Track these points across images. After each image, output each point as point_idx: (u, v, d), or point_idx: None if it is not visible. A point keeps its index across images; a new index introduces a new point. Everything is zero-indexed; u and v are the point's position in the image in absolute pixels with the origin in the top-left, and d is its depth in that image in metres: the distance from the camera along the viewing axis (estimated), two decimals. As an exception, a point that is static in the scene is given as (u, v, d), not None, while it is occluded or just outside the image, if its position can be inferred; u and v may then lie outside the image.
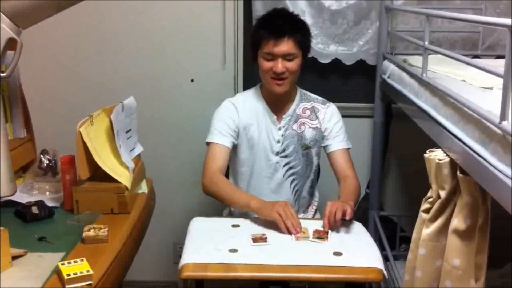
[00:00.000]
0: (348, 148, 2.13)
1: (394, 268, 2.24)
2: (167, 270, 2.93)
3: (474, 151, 1.25)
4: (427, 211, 1.50)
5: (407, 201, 2.74)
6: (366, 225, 2.00)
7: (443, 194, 1.43)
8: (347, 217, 1.73)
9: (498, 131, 1.15)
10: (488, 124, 1.20)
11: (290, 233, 1.70)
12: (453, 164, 1.40)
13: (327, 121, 2.12)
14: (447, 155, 1.44)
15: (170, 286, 2.91)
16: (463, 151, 1.32)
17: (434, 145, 1.56)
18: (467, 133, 1.33)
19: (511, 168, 1.07)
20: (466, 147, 1.31)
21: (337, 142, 2.11)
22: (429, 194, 1.50)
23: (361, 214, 2.68)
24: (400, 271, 2.23)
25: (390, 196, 2.77)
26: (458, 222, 1.36)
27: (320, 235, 1.69)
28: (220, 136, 2.07)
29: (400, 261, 2.47)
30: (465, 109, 1.36)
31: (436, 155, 1.46)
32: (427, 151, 1.50)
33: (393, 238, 2.57)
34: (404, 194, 2.77)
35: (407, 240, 2.60)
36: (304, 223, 1.75)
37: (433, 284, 1.46)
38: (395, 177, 2.78)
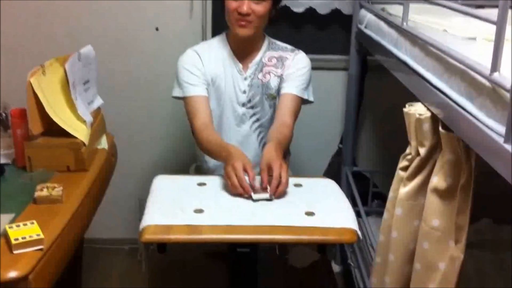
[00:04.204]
0: (302, 98, 1.99)
1: (366, 224, 2.18)
2: (132, 227, 2.79)
3: (459, 106, 1.16)
4: (405, 168, 1.41)
5: (381, 157, 2.67)
6: (338, 180, 1.93)
7: (422, 151, 1.34)
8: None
9: (488, 83, 1.05)
10: (477, 76, 1.10)
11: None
12: (434, 119, 1.31)
13: (292, 67, 2.00)
14: (428, 109, 1.34)
15: (135, 243, 2.82)
16: (447, 105, 1.22)
17: (412, 99, 1.45)
18: (452, 86, 1.23)
19: (502, 124, 0.97)
20: (450, 101, 1.21)
21: (290, 86, 1.98)
22: (407, 151, 1.41)
23: (335, 170, 2.62)
24: (372, 226, 2.18)
25: (363, 151, 2.70)
26: (438, 180, 1.28)
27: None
28: (192, 88, 1.96)
29: (372, 217, 2.42)
30: (450, 60, 1.25)
31: (416, 110, 1.36)
32: (406, 105, 1.40)
33: (366, 194, 2.51)
34: (378, 150, 2.70)
35: (379, 196, 2.57)
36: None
37: (410, 245, 1.39)
38: (369, 133, 2.70)
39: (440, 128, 1.26)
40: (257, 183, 1.59)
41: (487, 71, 1.03)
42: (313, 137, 2.62)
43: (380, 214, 2.40)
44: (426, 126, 1.32)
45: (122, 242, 2.84)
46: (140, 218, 2.72)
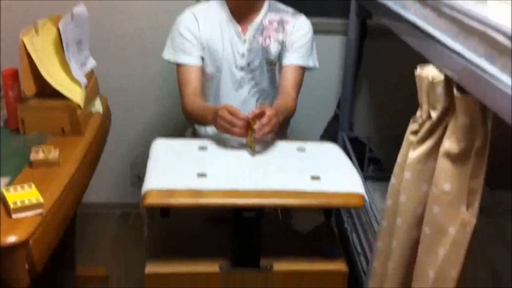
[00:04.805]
0: (305, 67, 1.96)
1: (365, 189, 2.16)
2: (124, 192, 2.79)
3: (478, 67, 1.11)
4: (415, 132, 1.37)
5: (378, 122, 2.65)
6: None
7: (434, 114, 1.30)
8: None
9: (511, 44, 1.01)
10: (498, 36, 1.05)
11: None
12: (448, 82, 1.26)
13: (294, 34, 1.94)
14: (441, 72, 1.29)
15: (126, 207, 2.78)
16: (464, 67, 1.17)
17: (415, 64, 1.40)
18: (469, 47, 1.18)
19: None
20: (467, 63, 1.16)
21: (294, 56, 1.94)
22: (418, 114, 1.37)
23: (331, 135, 2.59)
24: (369, 191, 2.15)
25: (360, 116, 2.67)
26: (450, 144, 1.24)
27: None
28: (186, 56, 1.91)
29: (368, 182, 2.40)
30: (466, 20, 1.20)
31: (428, 72, 1.31)
32: (418, 68, 1.35)
33: (362, 159, 2.48)
34: (375, 115, 2.67)
35: (375, 161, 2.55)
36: None
37: (418, 210, 1.37)
38: (366, 98, 2.66)
39: (454, 91, 1.22)
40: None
41: (509, 31, 0.99)
42: (309, 102, 2.56)
43: (376, 179, 2.43)
44: (439, 89, 1.27)
45: (113, 206, 2.80)
46: (132, 182, 2.72)
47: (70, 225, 1.96)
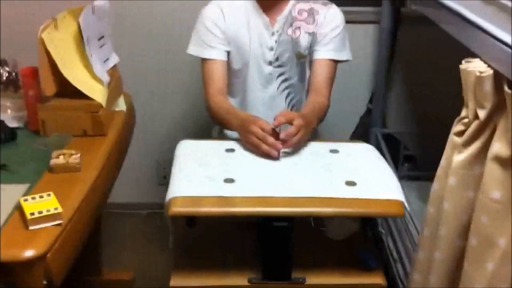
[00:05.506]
0: (337, 60, 1.86)
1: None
2: (150, 191, 2.73)
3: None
4: (460, 134, 1.26)
5: (413, 117, 2.52)
6: (367, 143, 1.79)
7: (482, 114, 1.19)
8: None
9: None
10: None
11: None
12: (497, 77, 1.15)
13: (325, 26, 1.84)
14: (489, 66, 1.18)
15: (152, 208, 2.72)
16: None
17: (453, 54, 1.29)
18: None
19: None
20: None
21: (326, 49, 1.83)
22: (463, 113, 1.26)
23: (363, 131, 2.49)
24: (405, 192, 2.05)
25: (393, 112, 2.55)
26: (500, 147, 1.13)
27: None
28: (211, 50, 1.82)
29: (403, 181, 2.29)
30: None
31: (475, 67, 1.20)
32: (463, 62, 1.24)
33: (396, 157, 2.37)
34: (409, 110, 2.55)
35: (410, 159, 2.43)
36: None
37: (463, 218, 1.26)
38: (400, 91, 2.54)
39: (505, 88, 1.11)
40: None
41: None
42: (340, 96, 2.44)
43: (411, 178, 2.31)
44: (488, 86, 1.16)
45: (139, 206, 2.74)
46: (159, 182, 2.65)
47: (96, 228, 1.91)
